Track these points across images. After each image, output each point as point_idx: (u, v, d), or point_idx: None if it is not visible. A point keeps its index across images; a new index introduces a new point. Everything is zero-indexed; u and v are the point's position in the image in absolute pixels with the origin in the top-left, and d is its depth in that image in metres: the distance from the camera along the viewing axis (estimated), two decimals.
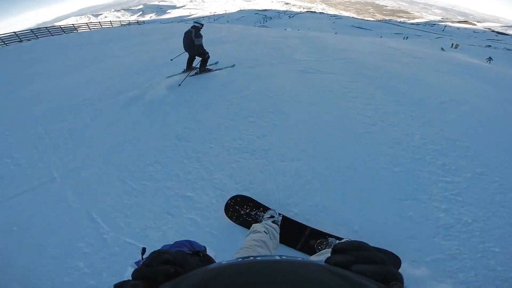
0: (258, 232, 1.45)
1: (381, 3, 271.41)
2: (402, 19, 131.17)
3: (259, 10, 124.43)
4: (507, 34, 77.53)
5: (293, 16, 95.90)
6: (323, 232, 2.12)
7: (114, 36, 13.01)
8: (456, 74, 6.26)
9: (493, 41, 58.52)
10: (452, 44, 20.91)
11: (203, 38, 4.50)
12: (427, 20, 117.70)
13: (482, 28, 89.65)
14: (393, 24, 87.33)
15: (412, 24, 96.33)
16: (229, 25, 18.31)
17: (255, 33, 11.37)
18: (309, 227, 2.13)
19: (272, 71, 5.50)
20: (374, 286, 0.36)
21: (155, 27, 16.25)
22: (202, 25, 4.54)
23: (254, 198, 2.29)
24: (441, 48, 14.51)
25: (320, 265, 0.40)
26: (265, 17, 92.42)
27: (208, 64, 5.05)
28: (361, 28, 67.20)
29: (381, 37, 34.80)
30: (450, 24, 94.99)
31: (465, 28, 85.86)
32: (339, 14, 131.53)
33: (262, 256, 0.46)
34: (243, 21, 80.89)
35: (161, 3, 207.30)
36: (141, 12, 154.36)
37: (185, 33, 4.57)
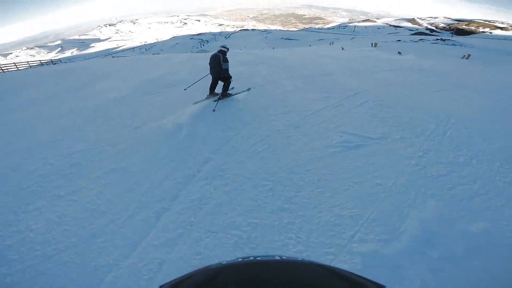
0: None
1: (300, 13, 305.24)
2: (319, 25, 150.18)
3: (194, 35, 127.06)
4: (401, 27, 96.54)
5: (229, 36, 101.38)
6: None
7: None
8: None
9: (394, 34, 72.18)
10: (372, 44, 25.85)
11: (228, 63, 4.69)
12: (339, 23, 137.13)
13: (382, 24, 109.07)
14: (314, 31, 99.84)
15: (329, 28, 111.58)
16: (166, 55, 14.43)
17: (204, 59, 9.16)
18: None
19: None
20: (373, 286, 0.37)
21: (73, 66, 11.16)
22: (228, 49, 4.73)
23: None
24: (399, 52, 18.41)
25: (320, 265, 0.41)
26: (201, 41, 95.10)
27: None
28: (290, 39, 75.38)
29: (310, 45, 40.18)
30: (357, 24, 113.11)
31: (370, 26, 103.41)
32: (269, 29, 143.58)
33: (262, 256, 0.46)
34: (179, 48, 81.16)
35: (82, 37, 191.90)
36: (59, 49, 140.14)
37: (212, 57, 4.67)
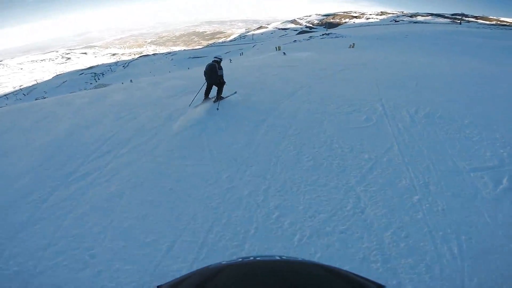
0: None
1: (201, 30, 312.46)
2: (222, 39, 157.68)
3: (83, 69, 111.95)
4: (288, 28, 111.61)
5: (127, 65, 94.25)
6: None
7: None
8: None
9: (284, 36, 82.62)
10: (276, 47, 29.23)
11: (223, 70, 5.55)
12: (238, 35, 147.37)
13: (273, 29, 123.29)
14: (219, 45, 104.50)
15: (231, 40, 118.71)
16: (59, 97, 9.31)
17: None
18: None
19: None
20: (373, 286, 0.37)
21: None
22: (221, 59, 5.71)
23: None
24: (283, 53, 20.91)
25: (319, 265, 0.41)
26: (94, 75, 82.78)
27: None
28: (198, 57, 76.71)
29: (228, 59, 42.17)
30: (253, 32, 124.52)
31: (265, 32, 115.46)
32: (172, 51, 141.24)
33: (262, 256, 0.46)
34: (68, 86, 67.71)
35: None
36: None
37: (209, 66, 5.40)
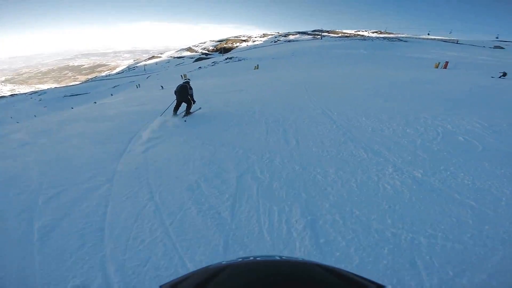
0: None
1: (76, 64, 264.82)
2: (105, 72, 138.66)
3: None
4: (184, 56, 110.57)
5: None
6: None
7: None
8: None
9: (181, 65, 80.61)
10: (182, 76, 27.50)
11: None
12: (126, 66, 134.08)
13: (167, 58, 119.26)
14: (102, 79, 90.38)
15: (118, 73, 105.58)
16: None
17: None
18: None
19: None
20: (373, 286, 0.37)
21: None
22: (190, 80, 7.12)
23: None
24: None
25: (319, 265, 0.41)
26: None
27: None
28: (77, 94, 62.82)
29: (111, 94, 35.18)
30: (145, 62, 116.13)
31: (159, 62, 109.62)
32: (39, 89, 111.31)
33: (261, 256, 0.46)
34: None
35: None
36: None
37: (180, 87, 6.50)
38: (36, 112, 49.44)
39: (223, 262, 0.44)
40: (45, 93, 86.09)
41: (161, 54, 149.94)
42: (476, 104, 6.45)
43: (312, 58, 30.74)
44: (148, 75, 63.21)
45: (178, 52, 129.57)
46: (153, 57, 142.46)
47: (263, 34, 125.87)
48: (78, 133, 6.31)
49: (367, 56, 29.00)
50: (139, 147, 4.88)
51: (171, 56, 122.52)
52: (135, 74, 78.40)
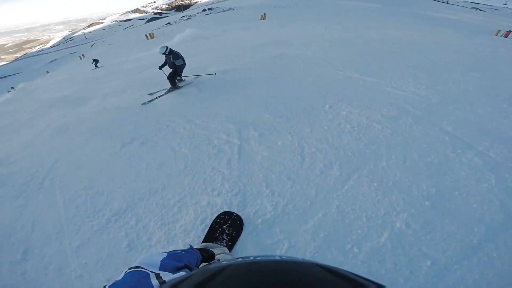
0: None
1: None
2: (37, 48, 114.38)
3: None
4: (132, 19, 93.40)
5: None
6: None
7: None
8: None
9: (130, 28, 67.55)
10: (147, 35, 22.01)
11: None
12: (61, 38, 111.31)
13: (112, 22, 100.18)
14: (36, 55, 73.67)
15: (52, 46, 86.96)
16: None
17: None
18: None
19: None
20: (373, 286, 0.36)
21: None
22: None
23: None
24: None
25: (320, 265, 0.40)
26: None
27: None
28: (6, 76, 50.26)
29: (47, 72, 26.97)
30: (84, 31, 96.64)
31: (100, 28, 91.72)
32: None
33: (261, 256, 0.45)
34: None
35: None
36: None
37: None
38: None
39: (223, 262, 0.43)
40: None
41: (102, 20, 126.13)
42: None
43: (324, 10, 24.84)
44: (92, 42, 51.71)
45: (124, 15, 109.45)
46: (92, 24, 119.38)
47: None
48: None
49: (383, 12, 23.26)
50: None
51: (115, 20, 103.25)
52: (75, 45, 64.31)
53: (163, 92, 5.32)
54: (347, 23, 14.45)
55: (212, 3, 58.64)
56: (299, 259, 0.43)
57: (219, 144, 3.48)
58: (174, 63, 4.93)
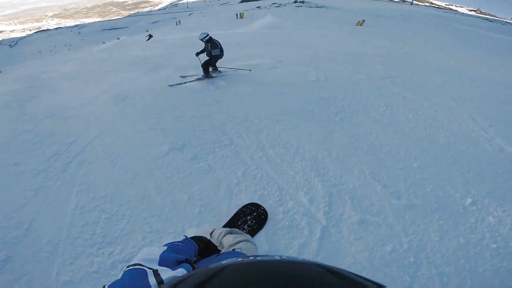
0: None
1: (120, 0, 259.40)
2: (147, 8, 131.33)
3: None
4: None
5: (16, 44, 67.77)
6: None
7: None
8: None
9: (225, 4, 70.42)
10: (237, 14, 21.25)
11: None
12: (169, 2, 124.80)
13: None
14: (145, 15, 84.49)
15: (160, 9, 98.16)
16: None
17: None
18: None
19: None
20: (373, 286, 0.36)
21: None
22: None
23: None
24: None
25: (320, 265, 0.40)
26: None
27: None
28: (115, 28, 58.82)
29: (147, 30, 29.92)
30: (187, 0, 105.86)
31: (200, 0, 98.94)
32: (82, 23, 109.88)
33: (262, 256, 0.44)
34: None
35: None
36: None
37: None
38: (72, 44, 47.10)
39: (223, 262, 0.42)
40: (85, 26, 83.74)
41: None
42: None
43: (426, 27, 20.57)
44: (191, 12, 55.74)
45: None
46: None
47: None
48: None
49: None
50: None
51: None
52: (177, 11, 70.80)
53: (194, 78, 5.02)
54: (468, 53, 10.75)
55: None
56: (300, 259, 0.42)
57: (294, 212, 2.11)
58: (211, 52, 4.68)
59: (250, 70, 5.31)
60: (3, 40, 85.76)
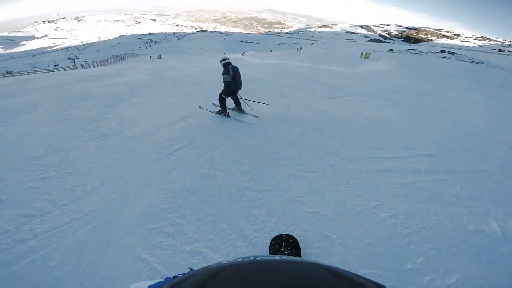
0: None
1: (261, 17, 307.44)
2: (279, 30, 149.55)
3: (143, 35, 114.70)
4: (357, 33, 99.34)
5: (182, 38, 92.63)
6: None
7: None
8: None
9: (351, 40, 72.17)
10: (362, 53, 18.01)
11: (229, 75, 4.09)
12: (297, 28, 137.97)
13: (338, 30, 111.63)
14: (274, 35, 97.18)
15: (288, 33, 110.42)
16: None
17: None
18: None
19: None
20: (373, 286, 0.36)
21: None
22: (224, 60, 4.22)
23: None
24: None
25: (320, 265, 0.40)
26: (149, 41, 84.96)
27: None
28: (250, 42, 70.74)
29: (271, 50, 35.30)
30: (315, 29, 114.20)
31: (326, 32, 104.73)
32: (230, 31, 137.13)
33: (262, 256, 0.44)
34: (120, 48, 70.68)
35: (12, 34, 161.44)
36: None
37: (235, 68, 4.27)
38: (216, 47, 59.01)
39: (223, 262, 0.43)
40: (230, 35, 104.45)
41: (333, 25, 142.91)
42: None
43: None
44: (313, 42, 60.71)
45: (353, 28, 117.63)
46: (324, 25, 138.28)
47: (482, 37, 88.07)
48: None
49: None
50: None
51: (343, 30, 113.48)
52: (301, 38, 78.35)
53: (215, 110, 4.41)
54: None
55: (460, 47, 47.99)
56: (299, 259, 0.42)
57: None
58: (223, 78, 4.03)
59: (269, 105, 4.42)
60: (177, 32, 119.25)
